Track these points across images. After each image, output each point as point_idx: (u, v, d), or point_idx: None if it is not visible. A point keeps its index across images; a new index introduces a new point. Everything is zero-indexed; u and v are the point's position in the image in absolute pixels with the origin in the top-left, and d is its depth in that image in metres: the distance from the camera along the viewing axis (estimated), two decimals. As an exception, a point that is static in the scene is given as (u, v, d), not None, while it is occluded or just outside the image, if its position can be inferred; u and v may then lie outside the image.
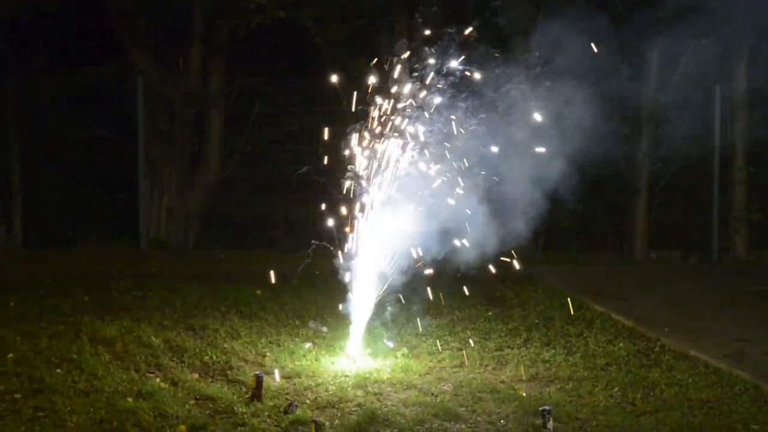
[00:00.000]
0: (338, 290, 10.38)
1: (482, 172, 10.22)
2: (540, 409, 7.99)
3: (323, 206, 10.25)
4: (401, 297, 10.57)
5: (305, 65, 17.55)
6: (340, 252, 10.18)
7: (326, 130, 10.47)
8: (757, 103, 17.82)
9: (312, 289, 12.80)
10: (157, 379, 8.93)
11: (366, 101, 10.12)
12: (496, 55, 10.30)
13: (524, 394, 8.87)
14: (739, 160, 17.81)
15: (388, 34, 15.82)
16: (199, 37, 17.69)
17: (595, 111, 11.68)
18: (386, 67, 10.10)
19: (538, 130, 11.03)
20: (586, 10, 12.90)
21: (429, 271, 10.27)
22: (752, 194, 17.96)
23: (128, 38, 17.51)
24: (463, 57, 10.14)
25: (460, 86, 10.18)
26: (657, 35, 16.46)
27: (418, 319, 11.27)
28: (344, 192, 10.11)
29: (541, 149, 10.61)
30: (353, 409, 8.44)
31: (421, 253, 10.04)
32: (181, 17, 17.67)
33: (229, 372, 9.31)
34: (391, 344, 10.36)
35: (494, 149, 10.26)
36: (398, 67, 10.13)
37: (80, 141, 18.03)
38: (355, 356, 9.95)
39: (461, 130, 10.11)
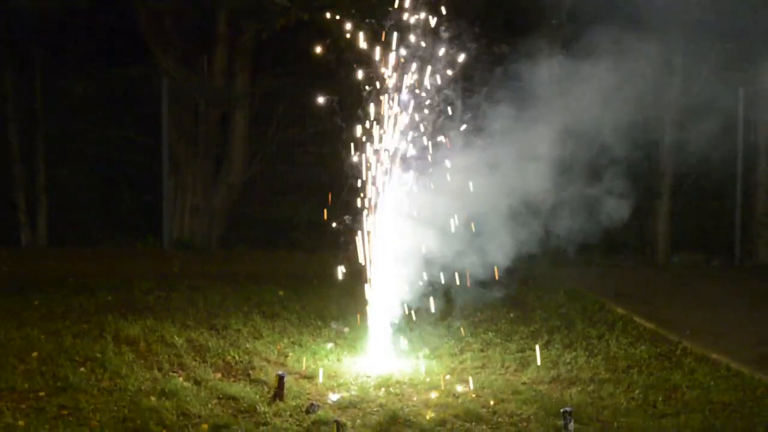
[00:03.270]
0: (360, 291, 10.40)
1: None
2: (561, 410, 7.99)
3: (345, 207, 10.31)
4: (422, 298, 10.56)
5: (330, 66, 17.59)
6: (360, 253, 10.23)
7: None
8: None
9: (334, 289, 12.83)
10: (180, 379, 8.98)
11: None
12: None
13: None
14: (762, 163, 17.74)
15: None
16: (224, 39, 17.78)
17: (618, 114, 11.69)
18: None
19: (558, 133, 11.06)
20: (608, 12, 12.92)
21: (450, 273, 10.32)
22: (775, 198, 17.92)
23: (154, 39, 17.63)
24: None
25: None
26: (681, 38, 16.44)
27: (439, 321, 11.30)
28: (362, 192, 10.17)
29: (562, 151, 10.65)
30: (375, 409, 8.47)
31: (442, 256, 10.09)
32: (206, 19, 17.77)
33: (251, 372, 9.35)
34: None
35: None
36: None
37: (106, 141, 18.17)
38: (376, 357, 9.99)
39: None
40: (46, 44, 17.75)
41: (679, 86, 17.11)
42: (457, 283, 10.60)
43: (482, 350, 10.51)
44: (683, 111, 16.94)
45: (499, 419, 8.35)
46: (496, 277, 10.90)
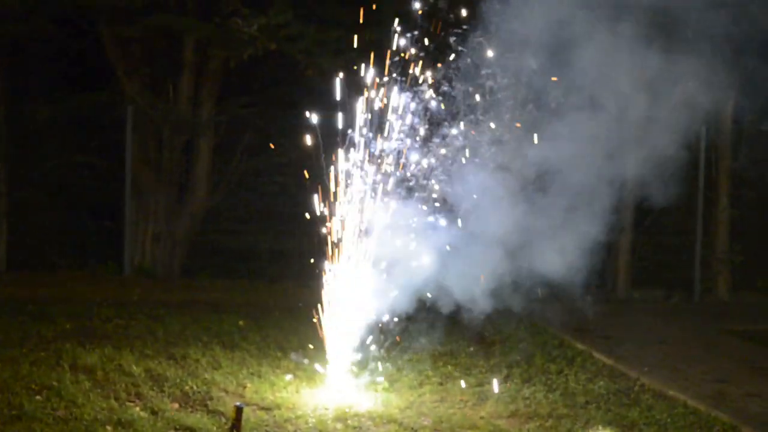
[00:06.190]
0: (321, 322, 10.39)
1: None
2: (518, 446, 8.03)
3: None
4: (383, 330, 10.58)
5: (297, 96, 17.61)
6: (321, 285, 10.24)
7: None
8: (741, 145, 17.93)
9: (295, 320, 12.81)
10: (137, 408, 8.92)
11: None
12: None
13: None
14: (723, 201, 17.89)
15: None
16: (190, 66, 17.74)
17: (582, 149, 11.75)
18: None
19: (523, 167, 11.11)
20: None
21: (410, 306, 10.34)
22: (735, 236, 18.03)
23: (120, 65, 17.56)
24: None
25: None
26: (645, 74, 16.55)
27: (399, 353, 11.29)
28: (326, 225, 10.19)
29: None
30: (332, 442, 8.46)
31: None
32: (173, 46, 17.74)
33: (209, 402, 9.31)
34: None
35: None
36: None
37: (68, 166, 18.08)
38: (335, 389, 9.97)
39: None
40: (10, 68, 17.66)
41: (641, 122, 17.19)
42: (418, 316, 10.62)
43: (441, 384, 10.52)
44: (645, 147, 17.04)
45: (457, 454, 8.37)
46: (456, 311, 10.93)
